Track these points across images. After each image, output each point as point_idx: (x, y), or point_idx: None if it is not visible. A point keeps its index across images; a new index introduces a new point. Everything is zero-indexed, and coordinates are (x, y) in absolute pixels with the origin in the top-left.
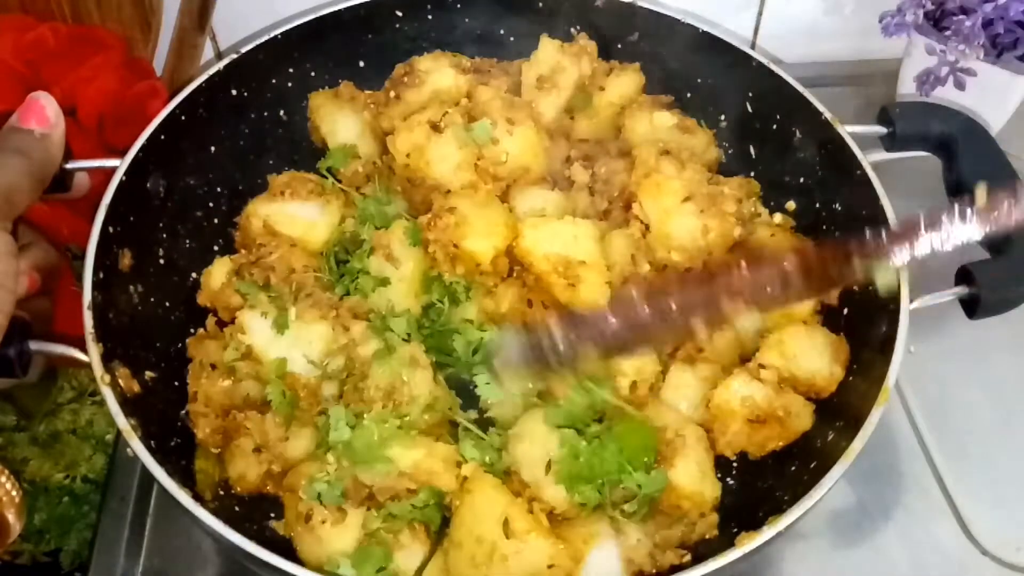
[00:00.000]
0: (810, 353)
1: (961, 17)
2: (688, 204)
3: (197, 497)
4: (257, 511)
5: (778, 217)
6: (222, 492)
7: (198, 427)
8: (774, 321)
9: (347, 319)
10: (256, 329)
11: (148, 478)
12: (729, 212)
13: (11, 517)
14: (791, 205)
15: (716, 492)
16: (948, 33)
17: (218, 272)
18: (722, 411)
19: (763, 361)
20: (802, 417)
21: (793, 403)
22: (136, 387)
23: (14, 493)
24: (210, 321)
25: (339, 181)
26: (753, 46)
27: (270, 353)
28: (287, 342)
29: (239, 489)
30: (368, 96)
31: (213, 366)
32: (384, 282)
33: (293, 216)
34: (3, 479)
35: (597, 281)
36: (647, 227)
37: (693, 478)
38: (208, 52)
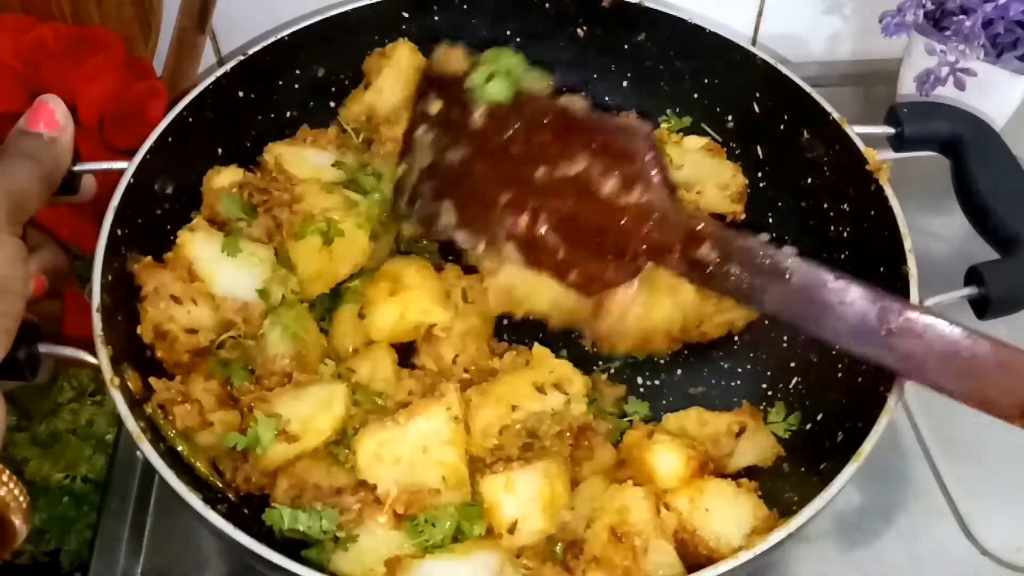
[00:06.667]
0: (725, 515)
1: (961, 17)
2: None
3: (207, 500)
4: (263, 511)
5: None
6: (228, 495)
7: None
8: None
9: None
10: (200, 247)
11: (148, 478)
12: None
13: (18, 521)
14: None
15: (515, 516)
16: (948, 33)
17: (225, 177)
18: (595, 511)
19: (670, 501)
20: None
21: (659, 549)
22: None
23: (21, 498)
24: None
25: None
26: (753, 45)
27: (214, 276)
28: (234, 265)
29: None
30: None
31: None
32: None
33: (305, 158)
34: (10, 484)
35: None
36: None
37: (494, 491)
38: (209, 53)
